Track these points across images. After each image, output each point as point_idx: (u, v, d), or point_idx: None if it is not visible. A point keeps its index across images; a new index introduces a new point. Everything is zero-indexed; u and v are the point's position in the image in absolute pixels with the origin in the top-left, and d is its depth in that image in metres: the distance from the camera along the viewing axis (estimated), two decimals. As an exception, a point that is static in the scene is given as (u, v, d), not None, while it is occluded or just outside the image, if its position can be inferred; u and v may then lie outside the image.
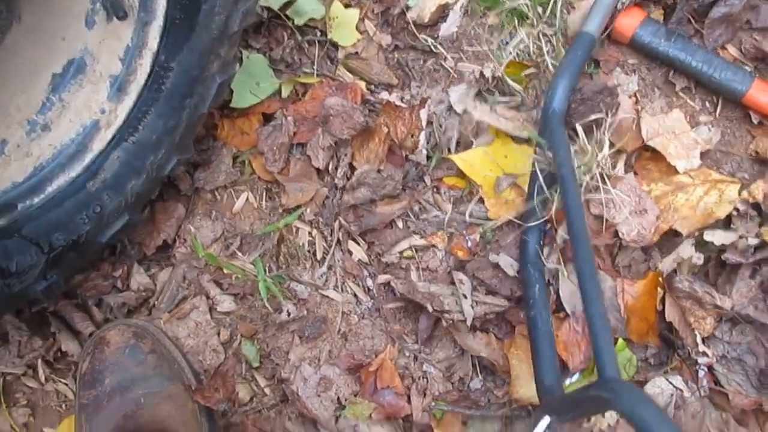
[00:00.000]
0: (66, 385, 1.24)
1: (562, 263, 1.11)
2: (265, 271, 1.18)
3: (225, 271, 1.22)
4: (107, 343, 1.14)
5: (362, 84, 1.30)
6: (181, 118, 1.08)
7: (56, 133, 1.06)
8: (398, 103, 1.26)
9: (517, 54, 1.25)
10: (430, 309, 1.12)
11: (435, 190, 1.23)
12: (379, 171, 1.19)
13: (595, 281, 0.88)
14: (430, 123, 1.24)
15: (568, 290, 1.12)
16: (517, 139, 1.21)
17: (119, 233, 1.11)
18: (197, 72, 1.06)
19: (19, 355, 1.23)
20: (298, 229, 1.25)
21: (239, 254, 1.24)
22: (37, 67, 1.04)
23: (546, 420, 1.10)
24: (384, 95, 1.29)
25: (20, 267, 1.03)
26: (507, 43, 1.27)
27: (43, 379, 1.24)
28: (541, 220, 1.10)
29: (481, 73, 1.25)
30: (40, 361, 1.24)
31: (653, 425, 0.68)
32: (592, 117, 1.14)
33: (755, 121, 1.19)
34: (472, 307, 1.10)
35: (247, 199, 1.28)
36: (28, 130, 1.05)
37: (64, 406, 1.24)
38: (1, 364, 1.23)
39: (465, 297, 1.11)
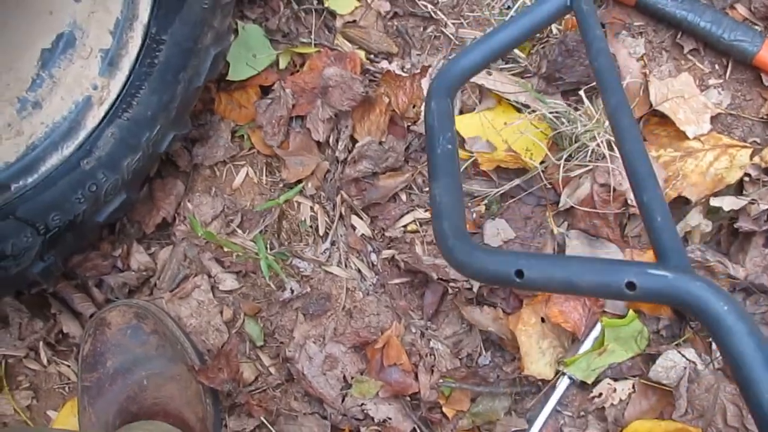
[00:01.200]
0: (68, 367, 1.23)
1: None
2: (266, 248, 1.16)
3: (226, 249, 1.20)
4: (108, 324, 1.12)
5: (361, 53, 1.26)
6: (176, 93, 1.06)
7: (48, 110, 1.03)
8: (399, 72, 1.23)
9: (521, 19, 1.21)
10: (435, 277, 1.10)
11: (438, 161, 1.20)
12: (380, 143, 1.17)
13: (646, 161, 0.77)
14: (432, 92, 1.21)
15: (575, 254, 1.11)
16: (519, 109, 1.18)
17: (117, 212, 1.09)
18: (190, 44, 1.03)
19: (20, 338, 1.22)
20: (299, 204, 1.22)
21: (240, 231, 1.22)
22: (25, 43, 1.01)
23: (566, 381, 1.09)
24: (384, 64, 1.25)
25: (16, 249, 1.01)
26: (509, 7, 1.24)
27: (45, 361, 1.23)
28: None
29: (484, 40, 1.22)
30: (41, 343, 1.22)
31: (736, 331, 0.56)
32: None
33: (766, 83, 1.16)
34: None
35: (247, 174, 1.26)
36: (18, 108, 1.02)
37: (66, 388, 1.23)
38: (3, 347, 1.22)
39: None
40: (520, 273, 0.67)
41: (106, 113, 1.03)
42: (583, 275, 0.66)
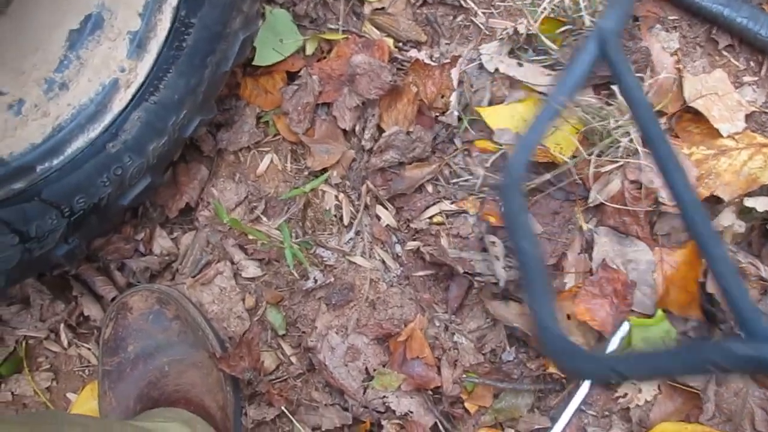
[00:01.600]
0: (89, 349, 1.22)
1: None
2: (291, 236, 1.15)
3: (249, 236, 1.19)
4: (130, 309, 1.12)
5: (390, 41, 1.24)
6: (203, 77, 1.05)
7: (74, 92, 1.02)
8: (427, 61, 1.21)
9: (553, 10, 1.19)
10: (460, 271, 1.09)
11: (466, 153, 1.18)
12: (408, 133, 1.15)
13: (704, 216, 0.77)
14: (461, 83, 1.19)
15: (602, 252, 1.09)
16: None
17: (141, 196, 1.09)
18: (219, 28, 1.02)
19: (42, 319, 1.22)
20: (324, 192, 1.21)
21: (264, 219, 1.21)
22: (53, 23, 1.00)
23: (587, 385, 1.07)
24: (413, 53, 1.23)
25: (40, 231, 1.00)
26: (542, -3, 1.22)
27: (65, 343, 1.23)
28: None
29: (515, 30, 1.19)
30: (62, 325, 1.22)
31: None
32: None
33: (804, 82, 1.14)
34: (505, 270, 1.07)
35: (272, 161, 1.24)
36: (45, 89, 1.01)
37: (86, 371, 1.22)
38: (24, 328, 1.22)
39: (497, 259, 1.08)
40: (620, 375, 0.77)
41: (133, 96, 1.02)
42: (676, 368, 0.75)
